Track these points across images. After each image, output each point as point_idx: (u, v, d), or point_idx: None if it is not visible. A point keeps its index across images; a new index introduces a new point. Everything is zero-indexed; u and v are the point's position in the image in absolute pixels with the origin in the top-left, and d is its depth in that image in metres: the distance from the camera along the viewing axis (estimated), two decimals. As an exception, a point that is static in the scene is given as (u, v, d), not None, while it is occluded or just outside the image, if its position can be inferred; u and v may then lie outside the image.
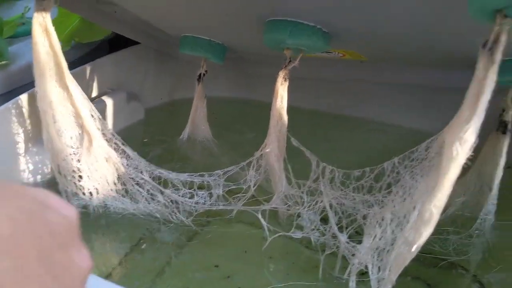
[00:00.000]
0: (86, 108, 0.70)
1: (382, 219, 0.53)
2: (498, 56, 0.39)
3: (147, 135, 1.07)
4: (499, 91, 0.71)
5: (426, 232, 0.46)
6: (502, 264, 0.67)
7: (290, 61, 0.66)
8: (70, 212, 0.23)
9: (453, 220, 0.77)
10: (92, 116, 0.71)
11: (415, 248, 0.47)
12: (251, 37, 0.70)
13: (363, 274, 0.59)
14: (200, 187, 0.75)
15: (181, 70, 1.19)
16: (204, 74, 0.93)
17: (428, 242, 0.70)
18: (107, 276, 0.65)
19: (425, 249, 0.69)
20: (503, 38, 0.39)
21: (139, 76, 1.14)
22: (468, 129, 0.40)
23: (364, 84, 1.07)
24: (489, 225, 0.73)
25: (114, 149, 0.73)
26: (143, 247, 0.71)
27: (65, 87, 0.68)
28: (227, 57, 0.92)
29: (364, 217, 0.59)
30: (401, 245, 0.49)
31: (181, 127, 0.98)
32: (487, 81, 0.40)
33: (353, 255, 0.59)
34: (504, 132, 0.72)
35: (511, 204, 0.81)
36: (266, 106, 0.71)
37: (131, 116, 1.08)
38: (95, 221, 0.75)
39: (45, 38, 0.65)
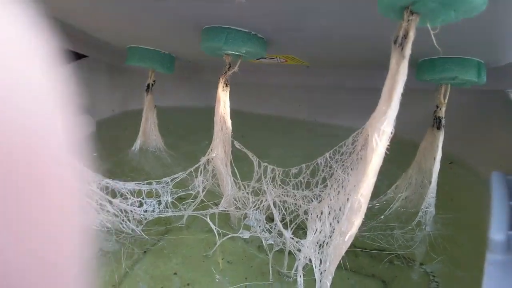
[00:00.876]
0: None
1: (321, 213, 0.55)
2: (408, 51, 0.42)
3: (98, 148, 1.06)
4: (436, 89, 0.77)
5: (357, 221, 0.47)
6: (442, 256, 0.70)
7: (229, 66, 0.68)
8: None
9: (398, 216, 0.80)
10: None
11: (348, 238, 0.48)
12: (195, 46, 0.71)
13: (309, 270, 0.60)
14: (150, 196, 0.75)
15: (133, 81, 1.19)
16: (152, 85, 0.93)
17: (376, 238, 0.74)
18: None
19: (378, 247, 0.73)
20: (411, 33, 0.42)
21: (89, 88, 1.13)
22: (385, 121, 0.42)
23: (317, 89, 1.10)
24: (430, 218, 0.77)
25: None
26: (96, 259, 0.70)
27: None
28: (179, 65, 0.93)
29: (306, 212, 0.61)
30: (337, 236, 0.51)
31: (133, 139, 0.98)
32: (399, 76, 0.42)
33: (298, 250, 0.60)
34: (439, 128, 0.77)
35: (451, 198, 0.86)
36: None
37: (81, 129, 1.06)
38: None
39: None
